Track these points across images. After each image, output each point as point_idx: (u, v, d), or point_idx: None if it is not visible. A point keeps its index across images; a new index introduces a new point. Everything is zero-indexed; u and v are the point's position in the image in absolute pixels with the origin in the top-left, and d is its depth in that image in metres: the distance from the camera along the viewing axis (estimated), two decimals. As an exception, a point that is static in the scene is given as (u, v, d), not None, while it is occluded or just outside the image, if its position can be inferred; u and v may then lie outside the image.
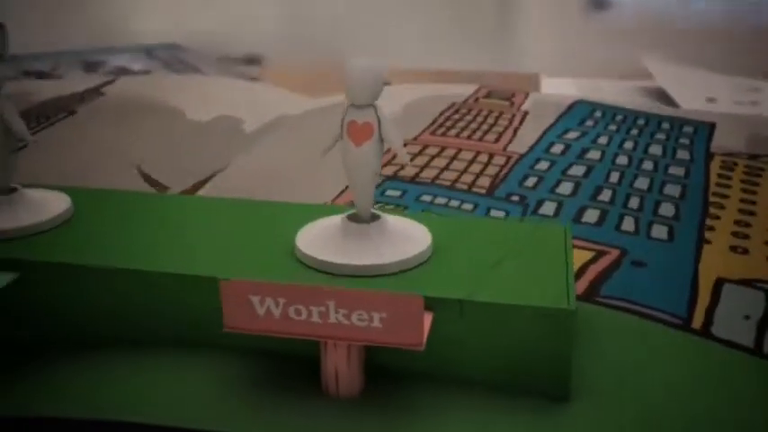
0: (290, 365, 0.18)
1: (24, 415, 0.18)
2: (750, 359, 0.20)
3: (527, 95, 0.48)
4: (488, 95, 0.48)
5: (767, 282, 0.25)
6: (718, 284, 0.25)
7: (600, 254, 0.26)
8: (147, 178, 0.36)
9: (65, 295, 0.20)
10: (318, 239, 0.20)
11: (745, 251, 0.27)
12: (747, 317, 0.23)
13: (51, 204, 0.22)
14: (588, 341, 0.20)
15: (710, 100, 0.64)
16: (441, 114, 0.43)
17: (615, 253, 0.26)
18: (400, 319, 0.16)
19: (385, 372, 0.18)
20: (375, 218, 0.20)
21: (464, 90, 0.49)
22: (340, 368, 0.17)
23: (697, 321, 0.22)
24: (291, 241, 0.20)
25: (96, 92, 0.50)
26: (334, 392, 0.17)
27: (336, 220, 0.20)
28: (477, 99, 0.47)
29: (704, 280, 0.25)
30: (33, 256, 0.20)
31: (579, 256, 0.26)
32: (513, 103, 0.46)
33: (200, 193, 0.34)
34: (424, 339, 0.16)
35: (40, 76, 0.69)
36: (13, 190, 0.22)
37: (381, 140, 0.19)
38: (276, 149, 0.39)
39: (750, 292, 0.24)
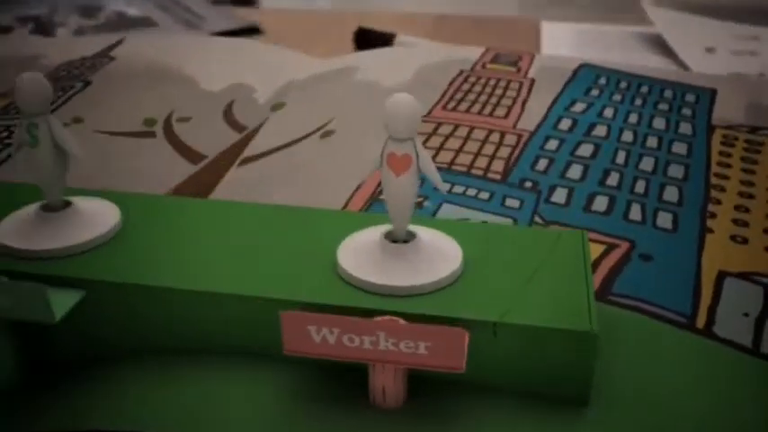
0: (338, 378, 0.20)
1: (81, 428, 0.20)
2: (749, 360, 0.22)
3: (532, 59, 0.48)
4: (495, 60, 0.49)
5: (764, 275, 0.27)
6: (720, 278, 0.27)
7: (611, 247, 0.28)
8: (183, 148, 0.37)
9: (118, 312, 0.21)
10: (359, 257, 0.21)
11: (745, 240, 0.29)
12: (746, 314, 0.25)
13: (103, 217, 0.23)
14: (604, 343, 0.22)
15: (709, 50, 0.65)
16: (450, 84, 0.44)
17: (625, 246, 0.28)
18: (444, 347, 0.18)
19: (424, 381, 0.20)
20: (411, 236, 0.22)
21: (471, 54, 0.49)
22: (387, 385, 0.19)
23: (701, 320, 0.24)
24: (332, 254, 0.22)
25: (106, 56, 0.50)
26: (381, 404, 0.19)
27: (375, 236, 0.22)
28: (484, 65, 0.47)
29: (707, 274, 0.27)
30: (93, 274, 0.21)
31: (592, 250, 0.27)
32: (519, 69, 0.47)
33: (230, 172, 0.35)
34: (465, 364, 0.18)
35: (37, 23, 0.68)
36: (67, 204, 0.23)
37: (419, 170, 0.20)
38: (291, 128, 0.40)
39: (749, 287, 0.26)
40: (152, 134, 0.38)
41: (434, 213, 0.29)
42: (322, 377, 0.20)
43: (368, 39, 0.60)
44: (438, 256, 0.21)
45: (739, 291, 0.26)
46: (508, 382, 0.20)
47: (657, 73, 0.48)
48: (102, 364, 0.22)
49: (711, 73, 0.54)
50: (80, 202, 0.24)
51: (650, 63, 0.51)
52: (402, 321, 0.19)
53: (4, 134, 0.37)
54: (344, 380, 0.20)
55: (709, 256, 0.28)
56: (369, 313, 0.20)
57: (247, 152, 0.37)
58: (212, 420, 0.20)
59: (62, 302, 0.20)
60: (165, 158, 0.36)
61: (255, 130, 0.40)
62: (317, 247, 0.23)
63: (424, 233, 0.22)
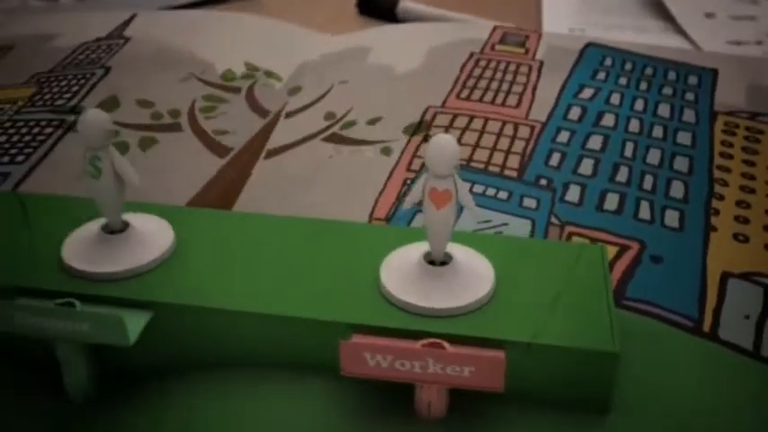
0: (385, 392, 0.22)
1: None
2: (751, 363, 0.25)
3: (539, 39, 0.50)
4: (503, 40, 0.50)
5: (764, 275, 0.29)
6: (723, 279, 0.29)
7: (623, 249, 0.30)
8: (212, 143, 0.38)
9: (176, 329, 0.23)
10: (400, 277, 0.23)
11: (746, 239, 0.31)
12: (747, 316, 0.27)
13: (159, 238, 0.25)
14: (621, 350, 0.24)
15: (709, 15, 0.66)
16: (462, 69, 0.45)
17: (636, 247, 0.30)
18: (486, 370, 0.20)
19: (461, 392, 0.22)
20: (448, 258, 0.24)
21: (480, 33, 0.50)
22: (432, 401, 0.21)
23: (707, 323, 0.27)
24: (374, 271, 0.24)
25: (120, 36, 0.51)
26: (426, 416, 0.22)
27: (415, 256, 0.24)
28: (493, 46, 0.49)
29: (711, 275, 0.29)
30: (156, 296, 0.23)
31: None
32: (527, 51, 0.48)
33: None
34: (503, 385, 0.20)
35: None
36: (126, 225, 0.25)
37: (457, 201, 0.22)
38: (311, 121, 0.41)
39: (750, 289, 0.28)
40: (178, 126, 0.40)
41: (458, 213, 0.31)
42: (369, 391, 0.22)
43: (370, 6, 0.60)
44: (473, 277, 0.23)
45: (741, 292, 0.28)
46: (536, 391, 0.22)
47: (661, 52, 0.49)
48: (161, 377, 0.24)
49: (711, 40, 0.56)
50: (137, 221, 0.25)
51: (649, 28, 0.52)
52: (447, 345, 0.21)
53: (36, 129, 0.39)
54: (390, 394, 0.22)
55: (714, 256, 0.30)
56: (413, 334, 0.22)
57: (271, 143, 0.39)
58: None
59: (134, 325, 0.22)
60: (192, 153, 0.38)
61: (276, 118, 0.42)
62: (359, 264, 0.25)
63: (459, 253, 0.24)
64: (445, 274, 0.23)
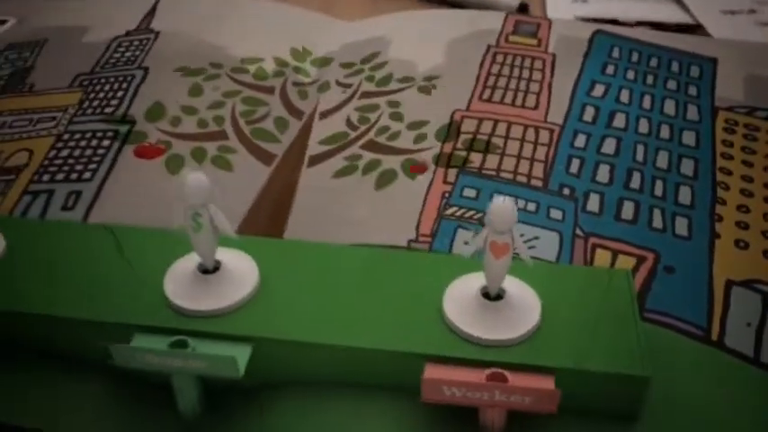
0: (451, 410, 0.26)
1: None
2: (752, 370, 0.29)
3: (550, 27, 0.52)
4: (516, 30, 0.52)
5: (762, 282, 0.33)
6: (728, 287, 0.33)
7: (640, 260, 0.34)
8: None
9: (270, 357, 0.27)
10: (462, 311, 0.27)
11: (746, 245, 0.36)
12: (749, 324, 0.31)
13: (247, 273, 0.29)
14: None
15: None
16: (481, 66, 0.48)
17: (651, 258, 0.34)
18: (543, 399, 0.24)
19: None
20: (502, 292, 0.28)
21: (493, 23, 0.53)
22: (495, 420, 0.26)
23: (715, 332, 0.31)
24: (436, 302, 0.28)
25: (148, 30, 0.53)
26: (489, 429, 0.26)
27: (473, 289, 0.28)
28: (507, 38, 0.51)
29: (717, 283, 0.33)
30: (254, 331, 0.27)
31: (625, 263, 0.34)
32: (539, 42, 0.51)
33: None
34: (556, 409, 0.25)
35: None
36: (218, 264, 0.29)
37: (513, 250, 0.26)
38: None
39: (750, 296, 0.33)
40: (224, 135, 0.42)
41: (494, 230, 0.35)
42: (438, 410, 0.26)
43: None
44: (524, 309, 0.27)
45: (743, 300, 0.33)
46: (578, 405, 0.27)
47: (663, 39, 0.52)
48: (258, 396, 0.28)
49: (705, 9, 0.59)
50: (226, 258, 0.29)
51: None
52: (508, 374, 0.25)
53: (94, 142, 0.41)
54: (456, 412, 0.26)
55: (719, 263, 0.34)
56: (477, 363, 0.26)
57: (311, 149, 0.42)
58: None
59: (241, 359, 0.26)
60: (240, 163, 0.41)
61: (310, 120, 0.44)
62: (422, 295, 0.28)
63: (510, 287, 0.28)
64: (501, 308, 0.27)
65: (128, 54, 0.50)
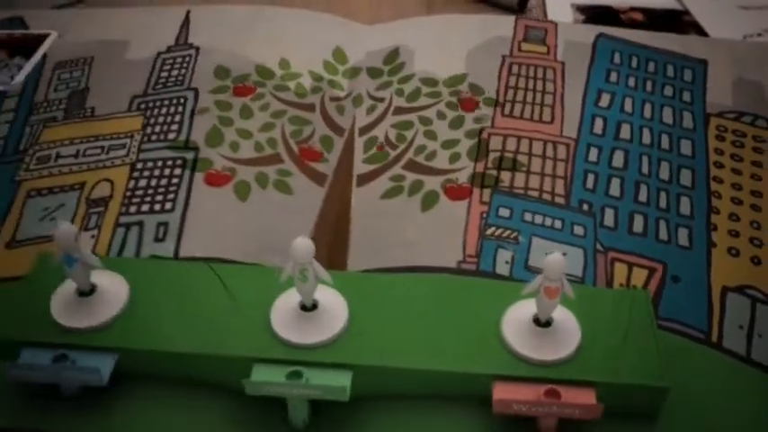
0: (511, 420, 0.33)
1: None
2: (745, 368, 0.36)
3: (556, 31, 0.58)
4: (526, 37, 0.57)
5: (752, 287, 0.40)
6: (723, 294, 0.40)
7: (651, 271, 0.41)
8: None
9: (367, 381, 0.34)
10: (518, 336, 0.34)
11: (738, 253, 0.42)
12: (741, 326, 0.38)
13: (340, 309, 0.35)
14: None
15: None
16: (499, 78, 0.53)
17: (660, 269, 0.41)
18: (590, 411, 0.31)
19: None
20: (551, 320, 0.34)
21: (504, 29, 0.58)
22: (550, 426, 0.32)
23: (714, 334, 0.38)
24: (495, 326, 0.34)
25: (187, 43, 0.57)
26: (544, 432, 0.33)
27: (527, 316, 0.34)
28: (519, 46, 0.56)
29: (715, 290, 0.40)
30: (353, 359, 0.33)
31: (639, 276, 0.40)
32: (548, 49, 0.56)
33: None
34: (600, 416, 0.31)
35: None
36: (317, 302, 0.35)
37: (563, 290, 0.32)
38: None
39: (741, 301, 0.40)
40: (278, 158, 0.47)
41: (528, 247, 0.41)
42: (503, 418, 0.33)
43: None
44: (567, 333, 0.34)
45: (736, 304, 0.39)
46: (610, 406, 0.33)
47: (657, 40, 0.57)
48: (356, 408, 0.34)
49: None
50: (322, 297, 0.35)
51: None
52: (561, 390, 0.32)
53: (167, 171, 0.46)
54: (517, 419, 0.33)
55: (715, 271, 0.41)
56: (534, 380, 0.33)
57: (357, 168, 0.47)
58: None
59: (348, 384, 0.32)
60: (297, 185, 0.46)
61: (351, 136, 0.50)
62: (483, 320, 0.35)
63: (555, 314, 0.34)
64: (550, 333, 0.34)
65: (174, 73, 0.54)
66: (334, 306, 0.35)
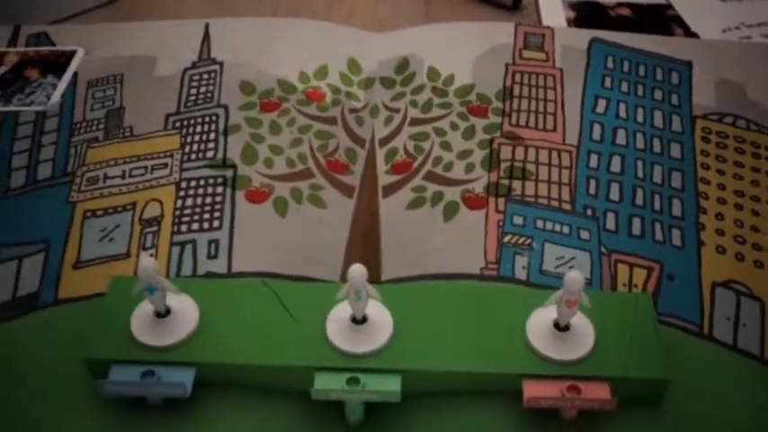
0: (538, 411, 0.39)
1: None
2: (732, 355, 0.42)
3: (553, 37, 0.62)
4: (526, 44, 0.62)
5: (737, 282, 0.46)
6: (713, 289, 0.46)
7: (650, 270, 0.46)
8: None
9: (414, 383, 0.39)
10: (541, 338, 0.39)
11: (724, 250, 0.48)
12: (728, 318, 0.44)
13: (386, 320, 0.40)
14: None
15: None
16: (504, 88, 0.58)
17: (657, 268, 0.46)
18: (606, 403, 0.37)
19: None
20: (569, 324, 0.39)
21: (506, 37, 0.62)
22: (572, 415, 0.38)
23: (706, 327, 0.44)
24: (521, 329, 0.40)
25: (210, 58, 0.60)
26: (568, 420, 0.39)
27: (547, 322, 0.40)
28: (521, 54, 0.61)
29: (705, 286, 0.46)
30: (400, 365, 0.38)
31: (639, 276, 0.46)
32: (547, 56, 0.61)
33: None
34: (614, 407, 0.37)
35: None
36: (366, 318, 0.40)
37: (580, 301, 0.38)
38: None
39: (727, 294, 0.45)
40: (310, 173, 0.52)
41: (542, 253, 0.47)
42: (530, 410, 0.39)
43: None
44: (583, 335, 0.39)
45: (723, 298, 0.45)
46: (621, 395, 0.39)
47: (647, 43, 0.62)
48: (406, 407, 0.40)
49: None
50: (370, 310, 0.40)
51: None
52: (581, 386, 0.38)
53: (210, 189, 0.50)
54: (541, 411, 0.39)
55: (705, 268, 0.47)
56: (557, 377, 0.38)
57: (381, 179, 0.52)
58: None
59: (399, 388, 0.38)
60: (329, 198, 0.51)
61: (372, 147, 0.54)
62: (509, 324, 0.40)
63: (577, 320, 0.40)
64: (568, 336, 0.39)
65: (202, 89, 0.58)
66: (380, 318, 0.40)
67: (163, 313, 0.40)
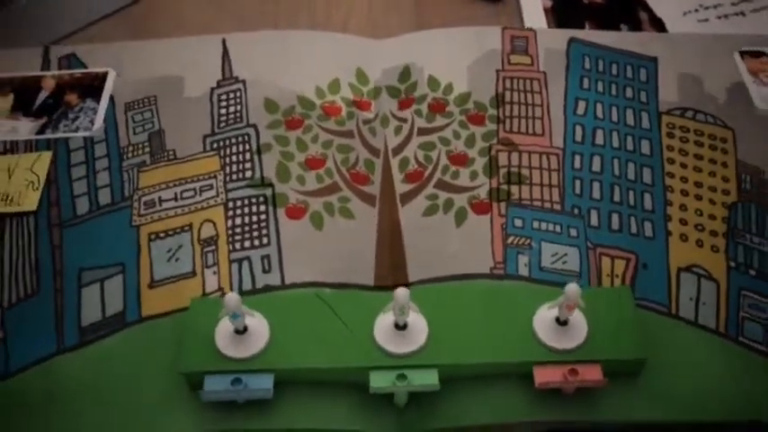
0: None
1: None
2: (694, 330, 0.53)
3: (536, 40, 0.70)
4: (513, 49, 0.69)
5: (697, 266, 0.56)
6: (678, 274, 0.56)
7: (627, 261, 0.56)
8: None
9: (445, 375, 0.49)
10: (545, 331, 0.49)
11: (687, 238, 0.58)
12: (691, 298, 0.54)
13: (421, 324, 0.49)
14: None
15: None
16: (496, 94, 0.65)
17: (633, 258, 0.56)
18: (599, 382, 0.47)
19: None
20: (567, 319, 0.49)
21: (494, 41, 0.69)
22: (570, 391, 0.49)
23: (673, 307, 0.54)
24: (528, 322, 0.50)
25: (232, 77, 0.67)
26: (568, 394, 0.49)
27: (549, 317, 0.49)
28: (509, 59, 0.68)
29: (672, 271, 0.56)
30: (436, 360, 0.48)
31: (619, 266, 0.56)
32: (532, 60, 0.69)
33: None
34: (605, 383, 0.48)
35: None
36: (407, 324, 0.49)
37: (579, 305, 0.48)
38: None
39: (690, 278, 0.55)
40: (337, 186, 0.60)
41: (539, 251, 0.56)
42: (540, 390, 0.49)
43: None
44: (579, 327, 0.49)
45: (687, 281, 0.55)
46: (609, 371, 0.50)
47: (619, 41, 0.70)
48: (437, 396, 0.50)
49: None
50: (411, 318, 0.49)
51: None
52: (579, 368, 0.48)
53: (254, 208, 0.58)
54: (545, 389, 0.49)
55: (672, 256, 0.57)
56: (560, 363, 0.48)
57: (398, 188, 0.60)
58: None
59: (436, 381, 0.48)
60: (356, 209, 0.59)
61: (387, 156, 0.62)
62: (518, 318, 0.50)
63: (573, 315, 0.50)
64: (568, 329, 0.49)
65: (231, 109, 0.65)
66: (418, 323, 0.50)
67: (242, 330, 0.49)
